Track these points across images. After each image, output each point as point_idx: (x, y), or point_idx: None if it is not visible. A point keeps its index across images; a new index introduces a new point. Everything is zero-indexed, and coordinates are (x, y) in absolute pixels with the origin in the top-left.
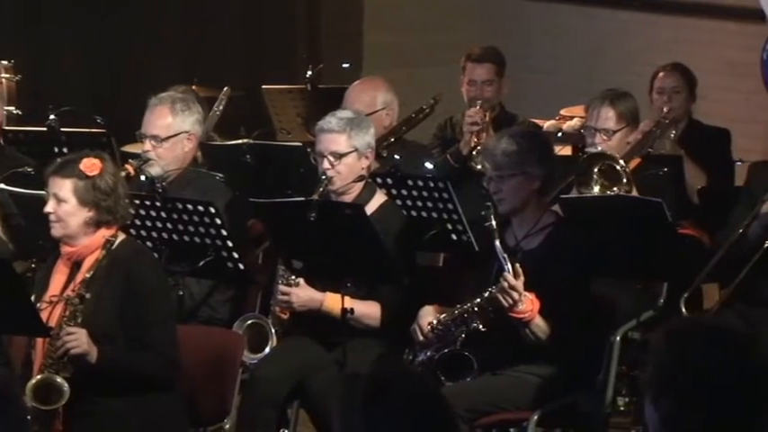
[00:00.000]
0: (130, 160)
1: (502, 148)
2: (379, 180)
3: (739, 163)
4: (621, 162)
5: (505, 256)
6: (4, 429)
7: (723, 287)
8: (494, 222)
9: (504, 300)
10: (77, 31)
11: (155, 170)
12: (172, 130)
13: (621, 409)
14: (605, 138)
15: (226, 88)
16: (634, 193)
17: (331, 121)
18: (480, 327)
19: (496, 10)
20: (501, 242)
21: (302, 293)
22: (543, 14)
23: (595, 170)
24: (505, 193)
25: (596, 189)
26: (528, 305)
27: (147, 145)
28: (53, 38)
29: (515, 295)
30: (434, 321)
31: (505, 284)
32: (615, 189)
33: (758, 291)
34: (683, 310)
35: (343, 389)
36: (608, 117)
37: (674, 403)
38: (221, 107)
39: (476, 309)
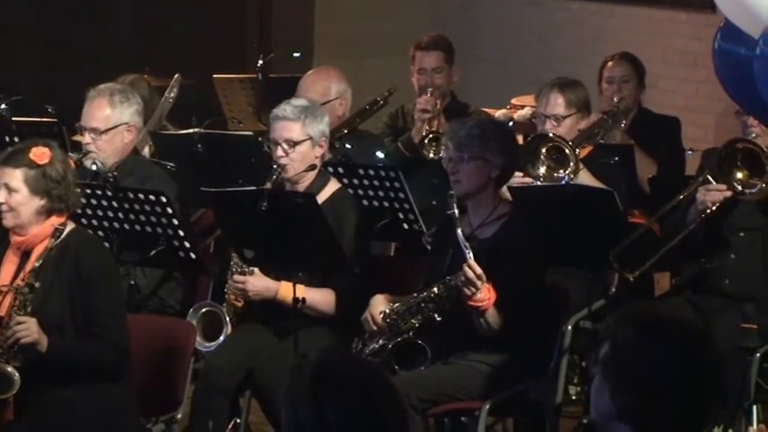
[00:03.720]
0: (71, 153)
1: (467, 130)
2: (330, 169)
3: (690, 152)
4: (569, 144)
5: (467, 244)
6: None
7: (674, 276)
8: (456, 211)
9: (466, 288)
10: (29, 19)
11: (95, 163)
12: (111, 122)
13: (573, 398)
14: (555, 124)
15: (177, 75)
16: (582, 175)
17: (286, 109)
18: (435, 316)
19: (449, 13)
20: (460, 232)
21: (257, 282)
22: (493, 3)
23: (543, 151)
24: (462, 175)
25: (542, 170)
26: (486, 294)
27: (87, 137)
28: (4, 27)
29: (479, 284)
30: (387, 310)
31: (470, 273)
32: (561, 171)
33: (708, 277)
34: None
35: (291, 377)
36: (557, 103)
37: (635, 397)
38: (173, 94)
39: (431, 297)
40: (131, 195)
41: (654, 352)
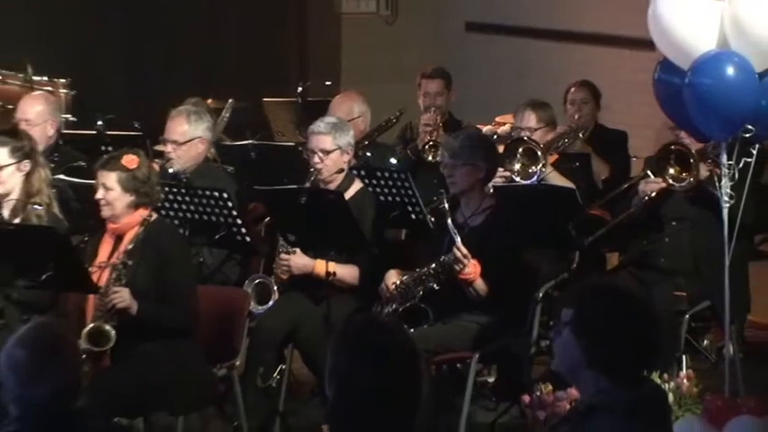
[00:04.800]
0: (156, 160)
1: (460, 141)
2: (355, 172)
3: (634, 159)
4: (540, 146)
5: (455, 231)
6: (61, 366)
7: (621, 255)
8: (446, 205)
9: (456, 265)
10: (118, 55)
11: (175, 167)
12: (187, 136)
13: (543, 349)
14: (528, 135)
15: (231, 100)
16: (552, 176)
17: (320, 125)
18: (435, 286)
19: (444, 39)
20: (452, 220)
21: (298, 260)
22: (480, 43)
23: (519, 151)
24: (457, 177)
25: (518, 166)
26: (472, 269)
27: (169, 147)
28: (99, 60)
29: (465, 261)
30: (397, 282)
31: (458, 253)
32: (534, 167)
33: (648, 256)
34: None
35: (334, 335)
36: (530, 119)
37: (603, 350)
38: (227, 114)
39: (431, 272)
40: (200, 192)
41: (614, 314)
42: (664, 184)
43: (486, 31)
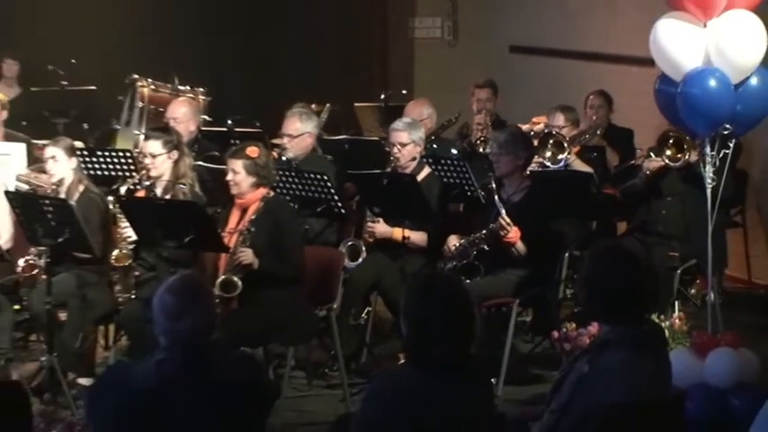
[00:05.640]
0: (275, 149)
1: (504, 137)
2: (425, 160)
3: (639, 150)
4: (566, 138)
5: (501, 205)
6: (200, 307)
7: (628, 224)
8: (494, 185)
9: (501, 231)
10: (242, 69)
11: (289, 155)
12: (300, 131)
13: (568, 297)
14: (557, 130)
15: (328, 104)
16: (576, 163)
17: (398, 124)
18: (485, 247)
19: (493, 58)
20: (498, 197)
21: (381, 227)
22: (520, 61)
23: (550, 142)
24: (502, 164)
25: (548, 154)
26: (513, 234)
27: (285, 140)
28: (228, 73)
29: (508, 228)
30: (456, 244)
31: (503, 222)
32: (561, 155)
33: (649, 224)
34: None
35: (408, 284)
36: (559, 118)
37: (599, 303)
38: (325, 116)
39: (482, 236)
40: (307, 175)
41: (602, 268)
42: (662, 162)
43: (525, 52)
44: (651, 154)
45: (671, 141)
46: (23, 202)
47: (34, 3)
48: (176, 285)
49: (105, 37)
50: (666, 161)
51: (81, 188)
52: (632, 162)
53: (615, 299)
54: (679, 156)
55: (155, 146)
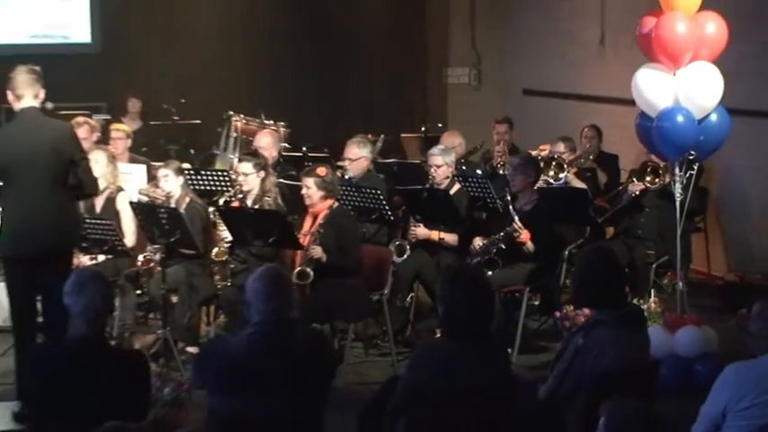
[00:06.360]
0: (339, 170)
1: (518, 160)
2: (456, 178)
3: (623, 171)
4: (565, 162)
5: (514, 213)
6: (282, 292)
7: (615, 229)
8: (509, 197)
9: (514, 233)
10: (314, 106)
11: (350, 174)
12: (357, 156)
13: (567, 285)
14: (558, 155)
15: (382, 135)
16: (574, 181)
17: (435, 150)
18: (502, 246)
19: (509, 99)
20: (512, 206)
21: (422, 230)
22: (531, 102)
23: (553, 164)
24: (516, 181)
25: (551, 174)
26: (524, 235)
27: (346, 162)
28: (304, 110)
29: (520, 231)
30: (480, 243)
31: (516, 226)
32: (561, 175)
33: (631, 229)
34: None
35: (442, 274)
36: (560, 146)
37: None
38: (380, 144)
39: (500, 238)
40: (364, 190)
41: (593, 263)
42: (643, 186)
43: (535, 95)
44: (634, 179)
45: (649, 169)
46: (144, 211)
47: (153, 55)
48: (263, 274)
49: (207, 82)
50: (647, 185)
51: (187, 200)
52: (620, 185)
53: (600, 290)
54: (657, 180)
55: (246, 167)
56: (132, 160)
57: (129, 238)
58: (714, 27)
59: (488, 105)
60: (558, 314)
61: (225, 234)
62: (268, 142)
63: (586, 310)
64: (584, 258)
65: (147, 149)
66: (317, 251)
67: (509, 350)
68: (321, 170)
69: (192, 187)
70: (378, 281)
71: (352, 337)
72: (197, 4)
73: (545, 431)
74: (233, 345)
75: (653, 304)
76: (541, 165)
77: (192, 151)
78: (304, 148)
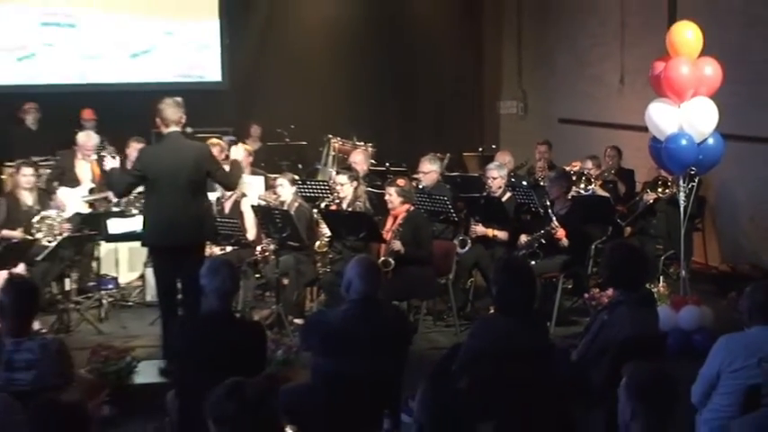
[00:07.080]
0: (414, 181)
1: (554, 173)
2: (507, 188)
3: (638, 183)
4: (592, 176)
5: (552, 215)
6: (371, 275)
7: (632, 229)
8: (548, 203)
9: (552, 231)
10: (397, 129)
11: (423, 185)
12: (429, 170)
13: (594, 272)
14: (587, 170)
15: (448, 154)
16: (599, 191)
17: (491, 165)
18: (542, 241)
19: (547, 126)
20: (551, 210)
21: (480, 228)
22: (566, 129)
23: (582, 178)
24: (553, 190)
25: (582, 185)
26: (561, 233)
27: (420, 175)
28: (386, 131)
29: (558, 229)
30: (525, 239)
31: (553, 225)
32: (589, 186)
33: (645, 229)
34: (616, 218)
35: (495, 265)
36: (588, 163)
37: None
38: (446, 161)
39: (541, 235)
40: (434, 197)
41: (616, 255)
42: (655, 196)
43: (568, 122)
44: (648, 190)
45: (660, 182)
46: (262, 212)
47: (270, 91)
48: (357, 263)
49: (311, 111)
50: (658, 194)
51: (296, 204)
52: (637, 195)
53: (624, 275)
54: (666, 190)
55: (342, 178)
56: (253, 173)
57: (251, 233)
58: (711, 69)
59: (532, 131)
60: (586, 295)
61: (325, 231)
62: (360, 159)
63: (609, 292)
64: (609, 252)
65: (264, 164)
66: (397, 245)
67: (548, 323)
68: (401, 181)
69: (300, 194)
70: (445, 268)
71: (425, 311)
72: (306, 49)
73: (576, 387)
74: (331, 317)
75: (661, 288)
76: (573, 178)
77: (300, 166)
78: (387, 164)
